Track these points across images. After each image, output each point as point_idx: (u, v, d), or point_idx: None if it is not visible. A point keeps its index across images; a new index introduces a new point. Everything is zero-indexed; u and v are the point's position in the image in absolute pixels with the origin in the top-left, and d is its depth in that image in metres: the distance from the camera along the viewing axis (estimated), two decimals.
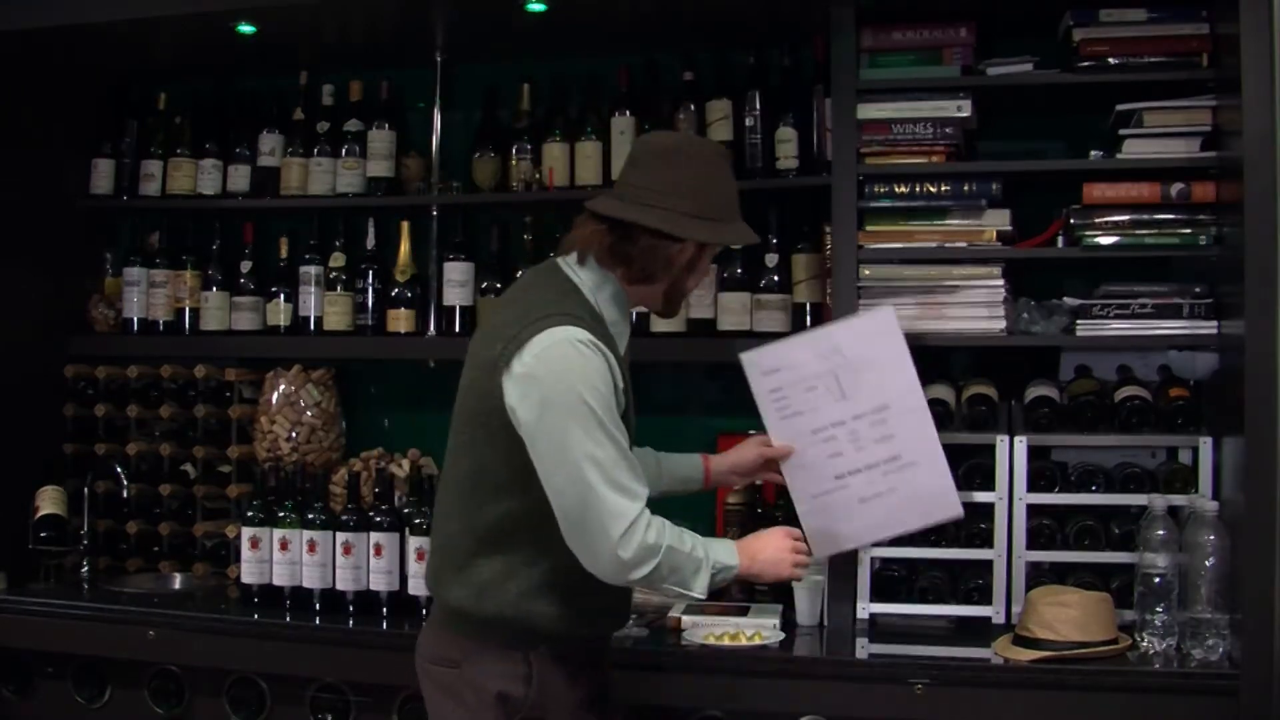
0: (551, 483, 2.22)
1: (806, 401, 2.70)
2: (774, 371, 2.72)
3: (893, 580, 3.00)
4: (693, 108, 3.41)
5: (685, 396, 3.64)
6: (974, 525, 2.92)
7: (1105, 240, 2.95)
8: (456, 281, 3.55)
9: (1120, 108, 2.97)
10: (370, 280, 3.65)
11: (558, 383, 2.20)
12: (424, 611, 3.12)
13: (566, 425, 2.19)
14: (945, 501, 2.68)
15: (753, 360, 2.74)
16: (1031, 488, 2.92)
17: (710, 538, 2.36)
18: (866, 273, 3.06)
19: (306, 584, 3.21)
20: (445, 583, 2.37)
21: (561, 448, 2.19)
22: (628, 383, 2.37)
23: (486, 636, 2.32)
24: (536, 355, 2.22)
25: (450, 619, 2.37)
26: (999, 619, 2.90)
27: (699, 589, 2.29)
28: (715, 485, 2.81)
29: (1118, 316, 2.95)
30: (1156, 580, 2.68)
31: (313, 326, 3.67)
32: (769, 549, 2.41)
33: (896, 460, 2.66)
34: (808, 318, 3.30)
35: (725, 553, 2.34)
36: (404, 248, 3.63)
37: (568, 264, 2.39)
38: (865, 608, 2.95)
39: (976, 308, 3.02)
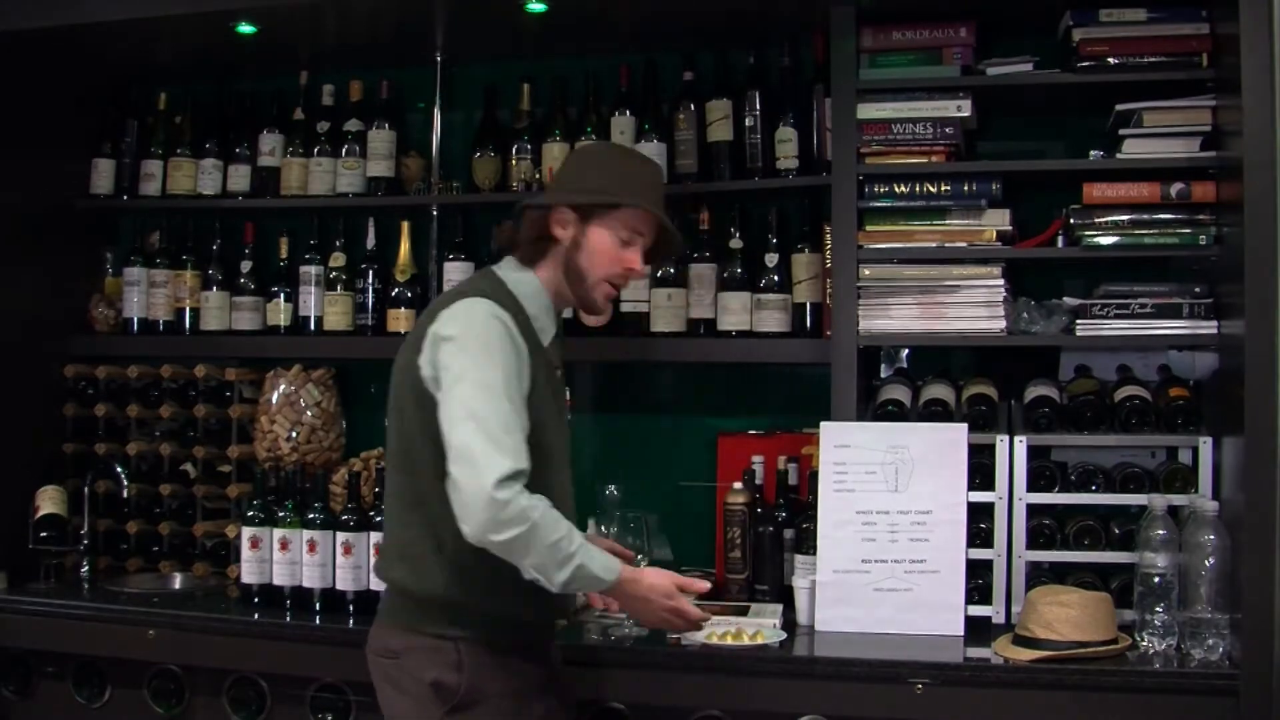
0: (444, 431, 2.30)
1: (862, 483, 2.92)
2: (844, 446, 2.95)
3: None
4: (693, 108, 3.41)
5: (685, 396, 3.64)
6: (974, 525, 2.92)
7: (1105, 240, 2.95)
8: (456, 281, 3.55)
9: (1120, 108, 2.97)
10: (370, 280, 3.65)
11: (467, 338, 2.33)
12: None
13: (464, 376, 2.30)
14: (950, 618, 2.84)
15: (829, 430, 2.97)
16: (1031, 487, 2.92)
17: (601, 552, 2.36)
18: (866, 273, 3.06)
19: (306, 584, 3.20)
20: (389, 561, 2.48)
21: (455, 396, 2.29)
22: (547, 380, 2.45)
23: (422, 622, 2.39)
24: (450, 318, 2.36)
25: (391, 607, 2.47)
26: (999, 619, 2.90)
27: (558, 581, 2.28)
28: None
29: (1117, 316, 2.95)
30: (1156, 580, 2.68)
31: (313, 326, 3.67)
32: (650, 600, 2.41)
33: (922, 564, 2.87)
34: (808, 318, 3.30)
35: (602, 567, 2.34)
36: (404, 248, 3.63)
37: (500, 266, 2.57)
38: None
39: (976, 308, 3.02)
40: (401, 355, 2.46)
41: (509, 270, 2.53)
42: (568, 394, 2.60)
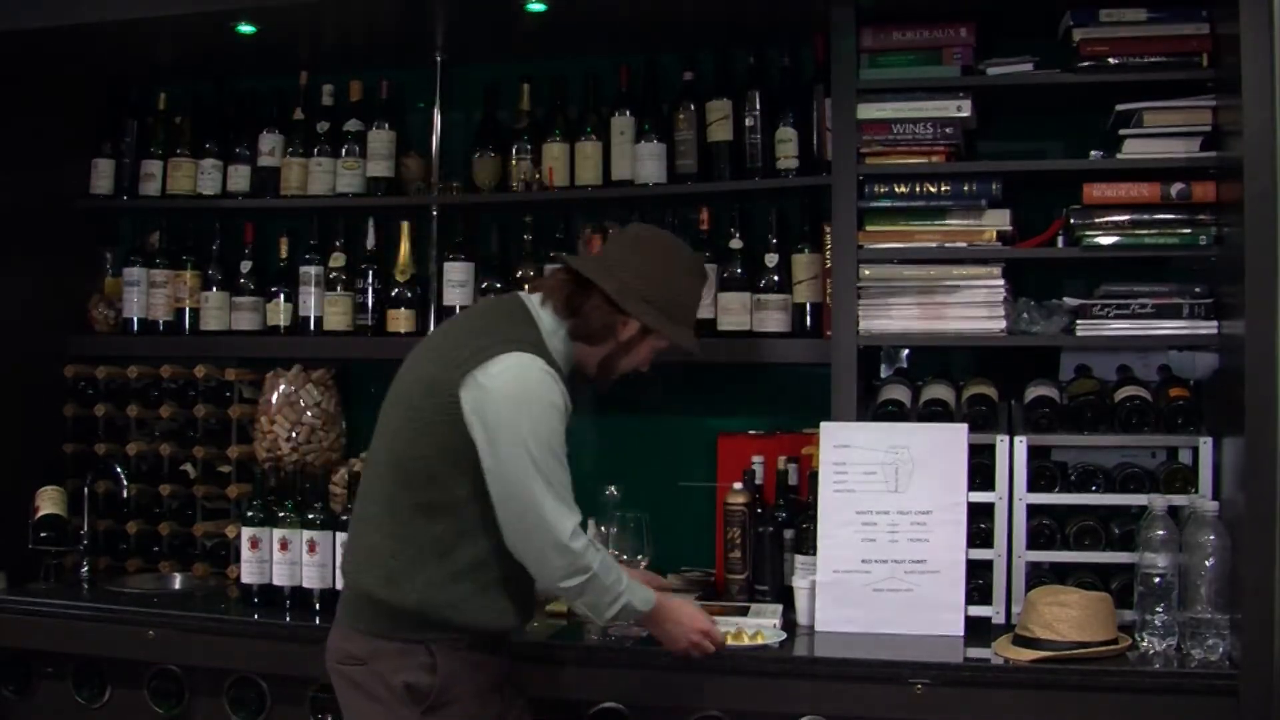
0: (502, 489, 2.38)
1: (862, 483, 2.93)
2: (844, 447, 2.95)
3: None
4: (693, 108, 3.42)
5: (685, 397, 3.63)
6: (974, 525, 2.92)
7: (1105, 240, 2.95)
8: (456, 281, 3.55)
9: (1120, 108, 2.97)
10: (370, 280, 3.65)
11: (520, 400, 2.37)
12: None
13: (524, 441, 2.34)
14: (950, 618, 2.84)
15: (829, 430, 2.97)
16: (1031, 488, 2.92)
17: (640, 585, 2.52)
18: (866, 273, 3.06)
19: (306, 584, 3.20)
20: (361, 566, 2.48)
21: (519, 454, 2.34)
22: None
23: (391, 630, 2.41)
24: (502, 371, 2.37)
25: (355, 612, 2.48)
26: (999, 619, 2.90)
27: (606, 617, 2.47)
28: None
29: (1118, 316, 2.95)
30: (1156, 580, 2.68)
31: (313, 326, 3.67)
32: (681, 624, 2.57)
33: (923, 564, 2.88)
34: (808, 318, 3.30)
35: (642, 600, 2.50)
36: (404, 248, 3.63)
37: (532, 301, 2.56)
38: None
39: (976, 308, 3.02)
40: (425, 368, 2.47)
41: (547, 316, 2.51)
42: None
